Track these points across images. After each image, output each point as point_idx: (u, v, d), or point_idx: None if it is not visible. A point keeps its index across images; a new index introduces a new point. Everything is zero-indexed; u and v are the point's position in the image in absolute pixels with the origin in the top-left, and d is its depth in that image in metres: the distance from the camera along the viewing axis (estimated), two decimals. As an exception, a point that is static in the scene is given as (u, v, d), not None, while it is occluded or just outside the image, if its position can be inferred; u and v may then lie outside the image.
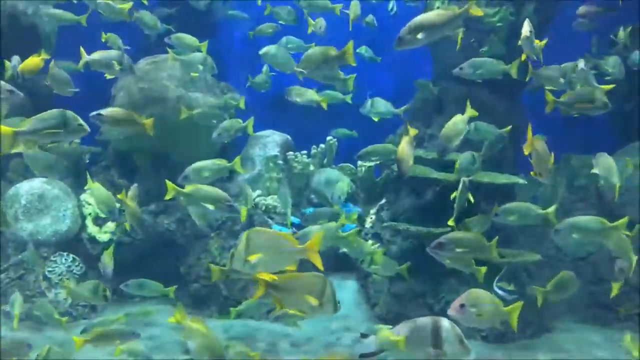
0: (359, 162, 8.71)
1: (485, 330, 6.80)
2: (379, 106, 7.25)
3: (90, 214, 8.01)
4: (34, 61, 6.48)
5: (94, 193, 6.45)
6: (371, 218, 8.35)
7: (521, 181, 7.23)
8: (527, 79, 6.10)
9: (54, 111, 4.65)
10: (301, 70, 5.57)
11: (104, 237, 7.93)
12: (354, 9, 7.65)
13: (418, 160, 6.71)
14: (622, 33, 7.68)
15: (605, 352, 6.70)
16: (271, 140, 9.27)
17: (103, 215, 7.69)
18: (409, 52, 4.95)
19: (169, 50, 7.19)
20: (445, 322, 3.94)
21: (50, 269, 7.57)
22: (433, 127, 8.07)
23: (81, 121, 4.71)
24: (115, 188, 7.94)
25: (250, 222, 7.67)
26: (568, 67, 5.85)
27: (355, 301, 7.79)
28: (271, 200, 8.34)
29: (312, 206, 8.37)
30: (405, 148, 5.50)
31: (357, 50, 8.88)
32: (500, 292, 5.95)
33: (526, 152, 5.01)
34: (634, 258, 5.29)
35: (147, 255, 7.93)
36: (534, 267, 7.39)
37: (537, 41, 5.73)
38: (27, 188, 7.87)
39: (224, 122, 6.96)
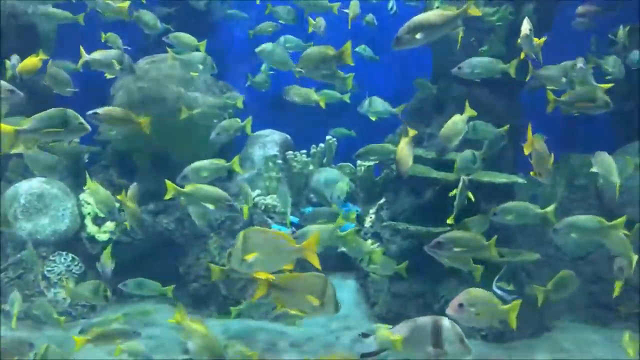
0: (358, 162, 8.72)
1: (485, 329, 6.80)
2: (377, 105, 7.25)
3: (89, 213, 8.00)
4: (32, 61, 6.48)
5: (93, 193, 6.44)
6: (370, 217, 8.35)
7: (520, 180, 7.23)
8: (528, 78, 6.10)
9: (55, 110, 4.64)
10: (300, 69, 5.56)
11: (103, 236, 7.93)
12: (354, 8, 7.65)
13: (417, 159, 6.72)
14: (621, 33, 7.68)
15: (604, 352, 6.69)
16: (270, 140, 9.27)
17: (102, 215, 7.69)
18: (409, 51, 4.94)
19: (169, 49, 7.19)
20: (445, 322, 3.93)
21: (49, 268, 7.56)
22: (432, 126, 8.06)
23: (82, 120, 4.71)
24: (115, 188, 7.94)
25: (250, 222, 7.67)
26: (567, 65, 5.85)
27: (355, 301, 7.79)
28: (270, 200, 8.34)
29: (311, 205, 8.37)
30: (404, 149, 5.50)
31: (356, 49, 8.89)
32: (499, 292, 5.95)
33: (526, 152, 5.01)
34: (635, 257, 5.29)
35: (147, 255, 7.92)
36: (533, 266, 7.39)
37: (536, 39, 5.73)
38: (26, 188, 7.86)
39: (223, 122, 6.96)
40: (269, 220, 8.15)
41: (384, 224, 7.64)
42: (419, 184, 7.40)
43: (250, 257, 3.64)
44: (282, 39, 7.61)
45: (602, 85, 5.81)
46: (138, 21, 7.20)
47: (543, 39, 5.76)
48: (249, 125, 7.04)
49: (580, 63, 5.83)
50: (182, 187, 5.50)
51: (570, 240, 5.27)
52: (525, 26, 5.63)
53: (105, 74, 6.44)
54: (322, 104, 6.88)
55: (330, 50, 5.43)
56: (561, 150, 8.19)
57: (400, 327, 4.02)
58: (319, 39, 7.61)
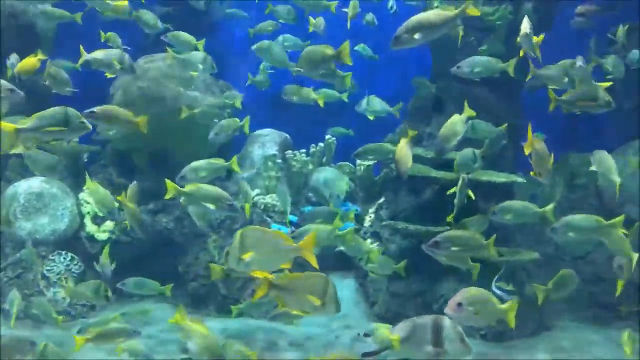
0: (358, 161, 8.72)
1: (484, 328, 6.80)
2: (374, 104, 7.26)
3: (88, 212, 8.00)
4: (31, 62, 6.47)
5: (93, 193, 6.43)
6: (370, 217, 8.35)
7: (520, 180, 7.23)
8: (529, 78, 6.09)
9: (56, 109, 4.64)
10: (298, 69, 5.57)
11: (102, 235, 7.93)
12: (353, 7, 7.65)
13: (417, 159, 6.71)
14: (620, 32, 7.69)
15: (604, 351, 6.69)
16: (270, 139, 9.28)
17: (102, 215, 7.69)
18: (410, 50, 4.94)
19: (168, 49, 7.18)
20: (446, 321, 3.93)
21: (48, 267, 7.56)
22: (432, 125, 8.06)
23: (83, 119, 4.71)
24: (114, 187, 7.95)
25: (250, 221, 7.66)
26: (566, 64, 5.85)
27: (354, 300, 7.80)
28: (270, 199, 8.35)
29: (310, 205, 8.37)
30: (403, 149, 5.50)
31: (355, 48, 8.90)
32: (498, 292, 5.95)
33: (526, 152, 5.01)
34: (635, 255, 5.30)
35: (146, 254, 7.92)
36: (532, 266, 7.39)
37: (534, 37, 5.73)
38: (26, 187, 7.86)
39: (222, 122, 6.96)
40: (269, 220, 8.15)
41: (384, 223, 7.64)
42: (419, 184, 7.39)
43: (247, 256, 3.63)
44: (280, 38, 7.64)
45: (601, 83, 5.81)
46: (138, 21, 7.20)
47: (541, 37, 5.75)
48: (247, 125, 7.04)
49: (579, 61, 5.83)
50: (182, 187, 5.50)
51: (568, 239, 5.26)
52: (525, 25, 5.63)
53: (106, 74, 6.44)
54: (321, 103, 6.89)
55: (329, 50, 5.43)
56: (561, 150, 8.19)
57: (401, 326, 4.02)
58: (319, 38, 7.62)
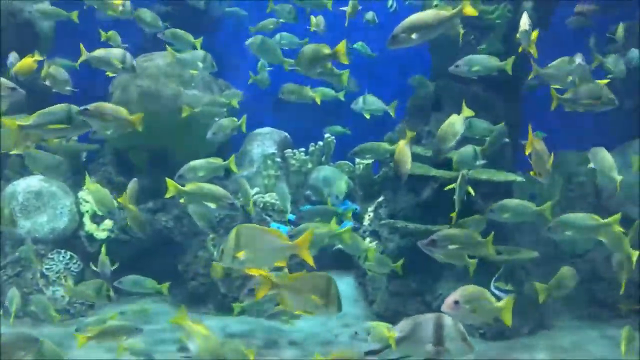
0: (357, 160, 8.73)
1: (484, 327, 6.81)
2: (371, 103, 7.27)
3: (87, 211, 8.00)
4: (27, 63, 6.46)
5: (93, 194, 6.42)
6: (369, 215, 8.36)
7: (519, 179, 7.24)
8: (531, 76, 6.08)
9: (59, 106, 4.64)
10: (295, 67, 5.58)
11: (101, 234, 7.93)
12: (352, 5, 7.65)
13: (416, 157, 6.71)
14: (620, 31, 7.70)
15: (603, 350, 6.69)
16: (269, 138, 9.28)
17: (101, 214, 7.69)
18: (412, 48, 4.93)
19: (168, 47, 7.18)
20: (447, 319, 3.93)
21: (47, 266, 7.56)
22: (431, 124, 8.06)
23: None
24: (113, 186, 7.97)
25: (249, 220, 7.66)
26: (564, 61, 5.84)
27: (353, 298, 7.80)
28: (269, 198, 8.35)
29: (310, 204, 8.38)
30: (403, 150, 5.49)
31: (354, 46, 8.90)
32: (497, 292, 5.95)
33: (527, 152, 5.01)
34: (636, 253, 5.31)
35: (145, 253, 7.92)
36: (531, 264, 7.39)
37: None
38: (25, 185, 7.86)
39: (219, 121, 6.95)
40: (268, 219, 8.16)
41: (383, 222, 7.64)
42: (418, 182, 7.38)
43: (241, 254, 3.63)
44: (277, 36, 7.64)
45: (600, 81, 5.80)
46: (138, 20, 7.19)
47: (536, 32, 5.73)
48: (244, 124, 7.04)
49: (578, 59, 5.82)
50: (182, 186, 5.49)
51: (565, 238, 5.27)
52: (524, 21, 5.61)
53: (107, 72, 6.43)
54: (318, 100, 6.91)
55: (326, 49, 5.43)
56: (560, 148, 8.20)
57: (402, 324, 4.03)
58: (320, 37, 7.63)
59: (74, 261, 7.70)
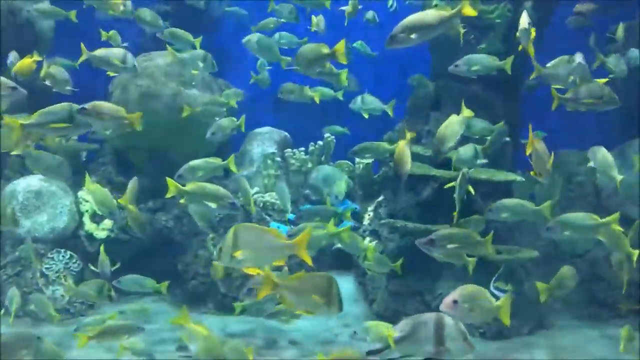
0: (357, 159, 8.73)
1: (484, 326, 6.81)
2: (369, 102, 7.27)
3: (87, 211, 8.00)
4: (26, 63, 6.46)
5: (94, 194, 6.41)
6: (369, 215, 8.36)
7: (519, 178, 7.24)
8: (533, 76, 6.06)
9: (61, 105, 4.64)
10: (296, 66, 5.58)
11: (101, 234, 7.94)
12: (352, 5, 7.66)
13: (416, 157, 6.71)
14: (620, 31, 7.70)
15: (602, 349, 6.70)
16: (269, 138, 9.28)
17: (102, 214, 7.69)
18: (412, 47, 4.93)
19: (168, 47, 7.18)
20: (448, 319, 3.93)
21: (47, 266, 7.56)
22: (431, 123, 8.07)
23: None
24: (113, 185, 7.97)
25: (249, 220, 7.66)
26: (564, 60, 5.84)
27: (353, 298, 7.80)
28: (269, 197, 8.35)
29: (309, 203, 8.38)
30: (403, 151, 5.48)
31: (353, 45, 8.91)
32: (497, 292, 5.95)
33: (528, 153, 5.01)
34: (636, 252, 5.31)
35: (145, 253, 7.93)
36: (530, 264, 7.39)
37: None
38: (24, 185, 7.87)
39: (218, 121, 6.95)
40: (268, 218, 8.16)
41: (382, 221, 7.64)
42: (418, 182, 7.39)
43: (239, 253, 3.63)
44: (276, 35, 7.64)
45: (599, 80, 5.79)
46: (138, 19, 7.18)
47: (533, 30, 5.72)
48: (243, 124, 7.04)
49: (579, 58, 5.82)
50: (181, 185, 5.49)
51: (564, 237, 5.27)
52: (524, 19, 5.61)
53: (108, 72, 6.42)
54: (317, 100, 6.92)
55: (325, 49, 5.43)
56: (560, 148, 8.20)
57: (403, 324, 4.02)
58: (320, 36, 7.64)
59: (74, 261, 7.70)
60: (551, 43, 7.20)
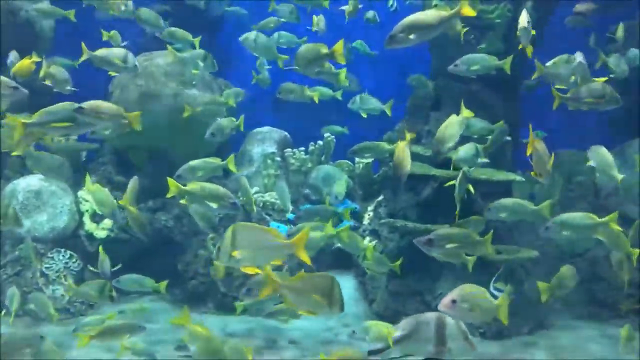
0: (357, 159, 8.73)
1: (483, 326, 6.82)
2: (367, 102, 7.28)
3: (87, 210, 8.00)
4: (25, 64, 6.45)
5: (94, 195, 6.41)
6: (369, 215, 8.36)
7: (518, 178, 7.25)
8: (535, 76, 6.06)
9: (63, 104, 4.64)
10: (293, 67, 5.59)
11: (101, 233, 7.93)
12: (352, 4, 7.66)
13: (416, 157, 6.71)
14: (620, 31, 7.71)
15: (602, 349, 6.70)
16: (269, 137, 9.29)
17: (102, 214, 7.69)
18: (412, 47, 4.93)
19: (169, 47, 7.18)
20: (449, 318, 3.93)
21: (47, 265, 7.56)
22: (431, 123, 8.07)
23: None
24: (113, 185, 7.96)
25: (249, 219, 7.66)
26: (563, 59, 5.84)
27: (353, 298, 7.79)
28: (269, 197, 8.35)
29: (309, 203, 8.38)
30: (402, 151, 5.48)
31: (353, 44, 8.91)
32: (497, 293, 5.95)
33: (528, 153, 5.01)
34: (636, 252, 5.31)
35: (145, 252, 7.92)
36: (530, 264, 7.39)
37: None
38: (24, 185, 7.86)
39: (218, 121, 6.94)
40: (267, 218, 8.16)
41: (382, 221, 7.64)
42: (418, 182, 7.39)
43: (237, 253, 3.64)
44: (275, 35, 7.64)
45: (598, 79, 5.79)
46: (139, 19, 7.18)
47: (533, 32, 5.73)
48: (242, 123, 7.04)
49: (580, 57, 5.81)
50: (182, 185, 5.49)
51: (562, 237, 5.27)
52: (524, 18, 5.61)
53: (109, 72, 6.42)
54: (316, 99, 6.92)
55: (323, 48, 5.44)
56: (559, 147, 8.21)
57: (404, 323, 4.03)
58: (319, 37, 7.64)
59: (74, 260, 7.70)
60: (551, 43, 7.21)
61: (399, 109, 7.81)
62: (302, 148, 8.99)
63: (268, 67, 8.66)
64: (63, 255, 7.67)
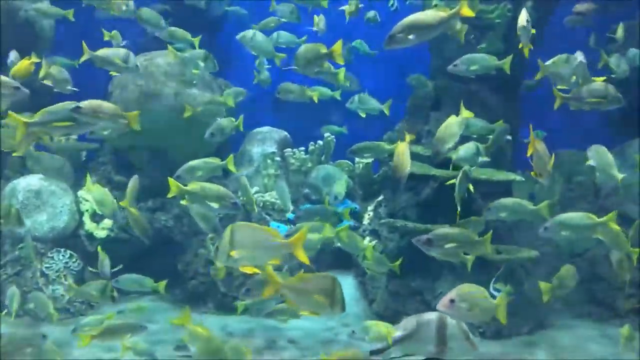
0: (357, 159, 8.73)
1: (483, 326, 6.82)
2: (366, 102, 7.28)
3: (87, 210, 8.00)
4: (25, 65, 6.44)
5: (94, 195, 6.40)
6: (369, 215, 8.36)
7: (518, 178, 7.25)
8: (537, 76, 6.05)
9: (64, 104, 4.63)
10: (292, 67, 5.60)
11: (101, 233, 7.93)
12: (352, 4, 7.66)
13: (416, 157, 6.71)
14: (620, 31, 7.71)
15: (602, 349, 6.71)
16: (269, 137, 9.29)
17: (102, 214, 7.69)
18: (413, 47, 4.93)
19: (169, 47, 7.18)
20: (450, 318, 3.93)
21: (47, 265, 7.56)
22: (431, 123, 8.07)
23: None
24: (113, 185, 7.96)
25: (249, 219, 7.66)
26: (562, 58, 5.84)
27: (354, 298, 7.80)
28: (269, 197, 8.35)
29: (309, 203, 8.38)
30: (402, 153, 5.48)
31: (353, 44, 8.91)
32: (496, 293, 5.95)
33: (529, 154, 5.01)
34: (636, 251, 5.31)
35: (145, 252, 7.90)
36: (530, 264, 7.40)
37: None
38: (24, 184, 7.86)
39: (217, 121, 6.94)
40: (267, 218, 8.15)
41: (382, 221, 7.64)
42: (418, 182, 7.39)
43: (236, 252, 3.64)
44: (275, 34, 7.63)
45: (597, 78, 5.78)
46: (140, 19, 7.17)
47: (533, 31, 5.73)
48: (241, 123, 7.04)
49: (580, 57, 5.81)
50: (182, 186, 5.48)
51: (561, 237, 5.27)
52: (523, 17, 5.61)
53: (110, 72, 6.41)
54: (315, 99, 6.93)
55: (322, 48, 5.44)
56: (559, 147, 8.21)
57: (405, 323, 4.03)
58: (319, 37, 7.64)
59: (74, 260, 7.70)
60: (551, 43, 7.20)
61: (399, 109, 7.80)
62: (302, 148, 8.99)
63: (268, 66, 8.65)
64: (63, 255, 7.67)
